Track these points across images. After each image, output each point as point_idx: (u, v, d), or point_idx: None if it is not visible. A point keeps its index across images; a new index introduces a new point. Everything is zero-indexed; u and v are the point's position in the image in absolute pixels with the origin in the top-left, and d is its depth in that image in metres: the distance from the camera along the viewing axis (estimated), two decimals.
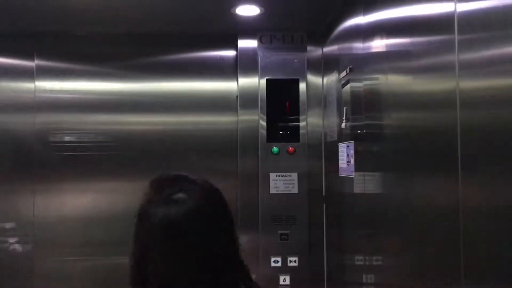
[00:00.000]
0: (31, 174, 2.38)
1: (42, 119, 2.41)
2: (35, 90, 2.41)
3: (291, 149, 2.36)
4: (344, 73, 1.94)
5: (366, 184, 1.68)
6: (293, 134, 2.37)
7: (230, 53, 2.48)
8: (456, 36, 0.98)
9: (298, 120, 2.38)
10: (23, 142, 2.39)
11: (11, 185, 2.38)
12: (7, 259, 2.35)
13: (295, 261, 2.32)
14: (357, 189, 1.78)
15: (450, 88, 1.00)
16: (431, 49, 1.13)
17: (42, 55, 2.42)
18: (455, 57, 0.98)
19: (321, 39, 2.43)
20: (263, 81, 2.38)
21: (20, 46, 2.40)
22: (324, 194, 2.38)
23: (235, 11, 2.15)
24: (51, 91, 2.42)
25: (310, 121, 2.40)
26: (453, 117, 0.97)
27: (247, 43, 2.43)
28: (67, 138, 2.42)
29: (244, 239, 2.36)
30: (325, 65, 2.42)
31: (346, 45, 2.01)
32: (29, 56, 2.41)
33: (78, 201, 2.40)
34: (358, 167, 1.76)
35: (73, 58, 2.43)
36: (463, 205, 0.95)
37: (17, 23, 2.28)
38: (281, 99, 2.38)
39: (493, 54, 0.85)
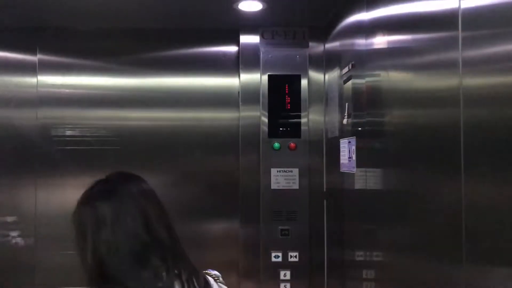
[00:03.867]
0: (33, 168, 2.38)
1: (45, 114, 2.41)
2: (38, 85, 2.41)
3: (292, 145, 2.37)
4: (346, 69, 1.95)
5: (367, 180, 1.69)
6: (295, 130, 2.38)
7: (232, 48, 2.48)
8: (460, 33, 0.98)
9: (299, 116, 2.38)
10: (25, 137, 2.39)
11: (14, 179, 2.38)
12: (8, 252, 2.36)
13: (295, 256, 2.33)
14: (358, 185, 1.79)
15: (454, 85, 1.00)
16: (435, 46, 1.13)
17: (45, 50, 2.42)
18: (459, 54, 0.98)
19: (323, 35, 2.43)
20: (265, 77, 2.38)
21: (23, 40, 2.40)
22: (325, 189, 2.39)
23: (237, 6, 2.15)
24: (54, 85, 2.42)
25: (311, 117, 2.40)
26: (457, 114, 0.98)
27: (249, 39, 2.43)
28: (69, 133, 2.42)
29: (245, 234, 2.38)
30: (327, 61, 2.42)
31: (348, 41, 2.01)
32: (31, 50, 2.40)
33: (79, 196, 2.40)
34: (360, 163, 1.76)
35: (75, 53, 2.43)
36: (466, 202, 0.96)
37: (19, 17, 2.28)
38: (283, 95, 2.38)
39: (498, 51, 0.85)
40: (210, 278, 1.23)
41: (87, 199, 1.17)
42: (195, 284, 1.13)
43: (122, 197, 1.15)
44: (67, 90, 2.42)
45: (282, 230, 2.34)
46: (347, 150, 1.92)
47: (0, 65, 2.40)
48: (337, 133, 2.13)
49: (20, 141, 2.39)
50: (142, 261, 1.10)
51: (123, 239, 1.10)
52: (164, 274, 1.10)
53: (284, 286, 2.32)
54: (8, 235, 2.37)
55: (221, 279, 1.27)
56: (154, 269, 1.10)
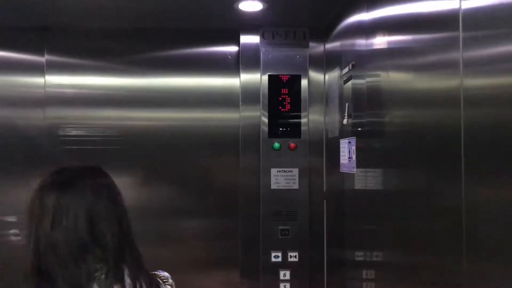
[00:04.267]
0: (40, 167, 2.37)
1: (52, 114, 2.40)
2: (45, 85, 2.41)
3: (292, 145, 2.37)
4: (346, 69, 1.95)
5: (367, 180, 1.69)
6: (295, 130, 2.38)
7: (232, 48, 2.48)
8: (460, 34, 0.98)
9: (299, 116, 2.38)
10: (32, 136, 2.39)
11: (21, 179, 2.37)
12: (16, 252, 2.36)
13: (295, 256, 2.33)
14: (358, 185, 1.79)
15: (455, 86, 1.00)
16: (436, 47, 1.13)
17: (52, 51, 2.41)
18: (460, 54, 0.98)
19: (323, 36, 2.43)
20: (265, 77, 2.38)
21: (31, 41, 2.40)
22: (325, 189, 2.39)
23: (238, 6, 2.15)
24: (61, 85, 2.42)
25: (311, 117, 2.40)
26: (457, 115, 0.98)
27: (250, 39, 2.43)
28: (75, 132, 2.42)
29: (244, 234, 2.38)
30: (327, 62, 2.42)
31: (348, 41, 2.01)
32: (39, 51, 2.40)
33: None
34: (360, 163, 1.76)
35: (80, 53, 2.42)
36: (466, 202, 0.96)
37: (26, 17, 2.28)
38: (283, 95, 2.38)
39: (499, 52, 0.85)
40: (161, 282, 1.19)
41: (38, 189, 1.13)
42: None
43: (70, 191, 1.11)
44: (73, 90, 2.42)
45: (282, 230, 2.34)
46: (347, 150, 1.92)
47: (8, 65, 2.40)
48: (337, 133, 2.13)
49: (27, 141, 2.39)
50: (76, 260, 1.06)
51: (61, 235, 1.06)
52: (102, 276, 1.06)
53: (284, 286, 2.32)
54: (18, 235, 2.36)
55: (170, 280, 1.23)
56: (89, 270, 1.06)
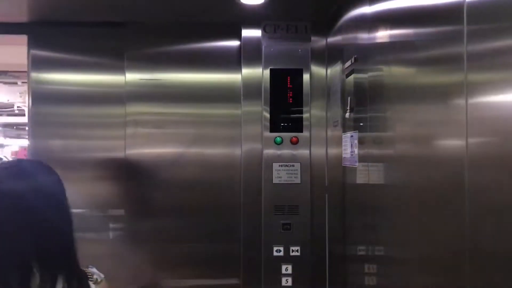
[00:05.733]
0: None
1: (132, 110, 2.42)
2: (125, 84, 2.43)
3: (294, 139, 2.36)
4: (348, 63, 1.94)
5: (369, 174, 1.69)
6: (297, 124, 2.37)
7: (234, 43, 2.46)
8: (465, 27, 0.97)
9: (301, 111, 2.37)
10: (115, 133, 2.43)
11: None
12: None
13: (297, 251, 2.33)
14: (360, 179, 1.79)
15: (458, 80, 1.00)
16: (439, 40, 1.12)
17: (131, 55, 2.43)
18: (464, 48, 0.97)
19: (326, 29, 2.41)
20: (267, 71, 2.37)
21: (111, 44, 2.43)
22: (326, 184, 2.39)
23: (239, 0, 2.14)
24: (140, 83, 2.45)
25: (313, 111, 2.39)
26: (461, 110, 0.97)
27: (251, 33, 2.41)
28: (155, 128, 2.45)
29: (246, 228, 2.38)
30: (329, 55, 2.41)
31: (350, 35, 2.00)
32: (120, 56, 2.42)
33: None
34: (362, 157, 1.76)
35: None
36: (469, 196, 0.95)
37: (105, 13, 2.33)
38: (285, 89, 2.37)
39: (504, 46, 0.84)
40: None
41: None
42: None
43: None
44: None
45: (283, 224, 2.34)
46: (349, 144, 1.92)
47: (94, 67, 2.43)
48: (339, 127, 2.13)
49: (109, 137, 2.44)
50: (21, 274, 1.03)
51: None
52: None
53: (286, 280, 2.33)
54: None
55: (95, 276, 1.20)
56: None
